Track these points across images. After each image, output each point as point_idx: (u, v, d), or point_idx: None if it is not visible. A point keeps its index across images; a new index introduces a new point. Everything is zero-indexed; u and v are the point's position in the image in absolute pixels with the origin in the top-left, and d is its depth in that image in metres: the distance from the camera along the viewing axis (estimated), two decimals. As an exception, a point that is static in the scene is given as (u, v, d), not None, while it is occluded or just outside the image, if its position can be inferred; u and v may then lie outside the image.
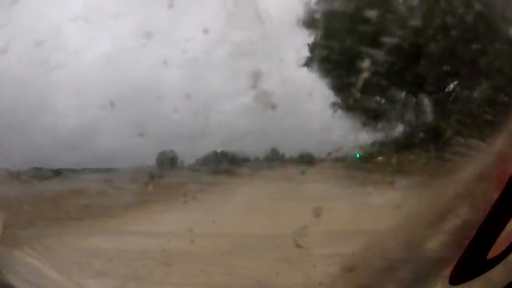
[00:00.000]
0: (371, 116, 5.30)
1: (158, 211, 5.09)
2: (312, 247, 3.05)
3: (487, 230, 1.08)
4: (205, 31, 2.64)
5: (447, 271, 1.20)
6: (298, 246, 2.93)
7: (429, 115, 5.43)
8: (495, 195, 1.05)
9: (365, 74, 2.42)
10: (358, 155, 7.37)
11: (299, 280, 2.68)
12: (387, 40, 2.80)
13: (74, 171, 4.32)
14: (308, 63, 4.18)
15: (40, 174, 3.48)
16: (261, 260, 3.15)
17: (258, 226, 4.79)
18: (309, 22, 3.83)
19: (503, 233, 1.06)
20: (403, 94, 5.31)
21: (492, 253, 1.08)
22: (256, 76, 2.35)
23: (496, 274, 1.12)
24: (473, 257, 1.12)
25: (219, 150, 5.23)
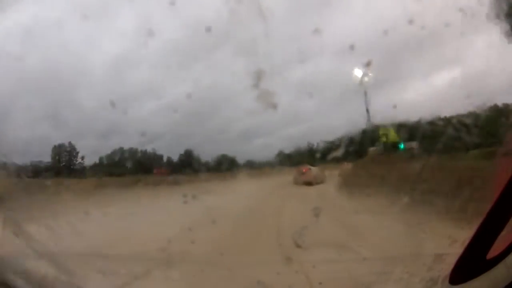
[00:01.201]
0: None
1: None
2: (312, 247, 3.04)
3: (487, 230, 1.08)
4: (208, 29, 2.64)
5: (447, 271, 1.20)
6: (298, 246, 2.93)
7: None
8: (496, 193, 1.05)
9: None
10: (398, 141, 6.98)
11: (299, 280, 2.68)
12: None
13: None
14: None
15: None
16: (261, 260, 3.15)
17: (258, 226, 4.78)
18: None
19: (503, 233, 1.06)
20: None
21: (492, 253, 1.08)
22: (258, 76, 2.35)
23: (496, 274, 1.11)
24: (473, 257, 1.11)
25: (126, 147, 5.08)
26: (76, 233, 3.54)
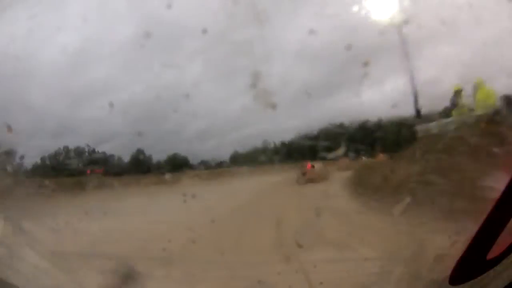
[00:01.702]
0: None
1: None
2: (313, 246, 3.04)
3: (487, 230, 1.08)
4: (204, 31, 2.64)
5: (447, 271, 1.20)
6: (299, 245, 2.93)
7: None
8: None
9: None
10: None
11: (299, 279, 2.68)
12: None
13: None
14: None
15: None
16: (262, 260, 3.15)
17: (258, 225, 4.79)
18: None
19: (503, 233, 1.06)
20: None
21: (492, 253, 1.08)
22: (255, 77, 2.34)
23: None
24: (473, 257, 1.11)
25: (71, 147, 4.96)
26: (76, 232, 3.55)
